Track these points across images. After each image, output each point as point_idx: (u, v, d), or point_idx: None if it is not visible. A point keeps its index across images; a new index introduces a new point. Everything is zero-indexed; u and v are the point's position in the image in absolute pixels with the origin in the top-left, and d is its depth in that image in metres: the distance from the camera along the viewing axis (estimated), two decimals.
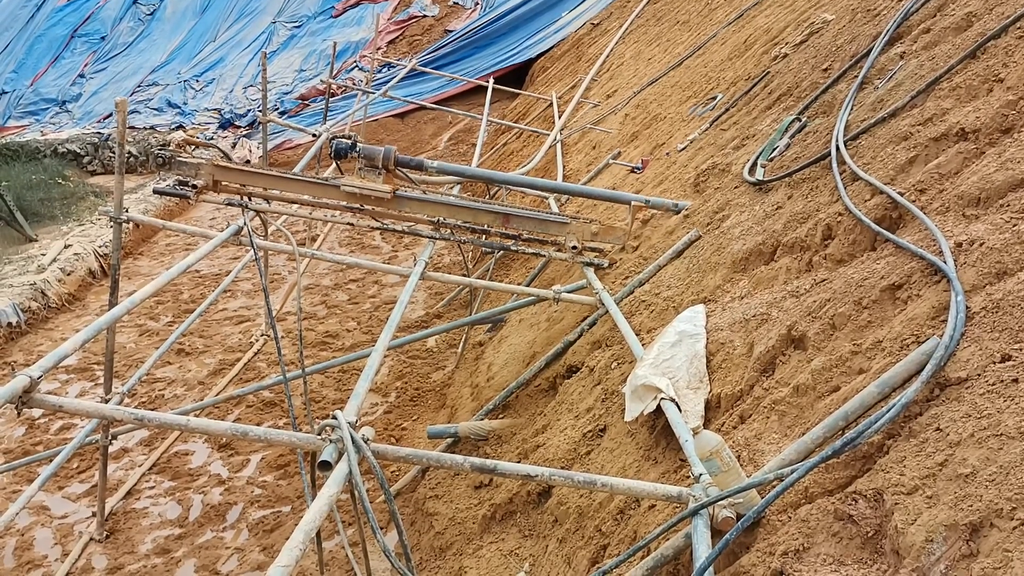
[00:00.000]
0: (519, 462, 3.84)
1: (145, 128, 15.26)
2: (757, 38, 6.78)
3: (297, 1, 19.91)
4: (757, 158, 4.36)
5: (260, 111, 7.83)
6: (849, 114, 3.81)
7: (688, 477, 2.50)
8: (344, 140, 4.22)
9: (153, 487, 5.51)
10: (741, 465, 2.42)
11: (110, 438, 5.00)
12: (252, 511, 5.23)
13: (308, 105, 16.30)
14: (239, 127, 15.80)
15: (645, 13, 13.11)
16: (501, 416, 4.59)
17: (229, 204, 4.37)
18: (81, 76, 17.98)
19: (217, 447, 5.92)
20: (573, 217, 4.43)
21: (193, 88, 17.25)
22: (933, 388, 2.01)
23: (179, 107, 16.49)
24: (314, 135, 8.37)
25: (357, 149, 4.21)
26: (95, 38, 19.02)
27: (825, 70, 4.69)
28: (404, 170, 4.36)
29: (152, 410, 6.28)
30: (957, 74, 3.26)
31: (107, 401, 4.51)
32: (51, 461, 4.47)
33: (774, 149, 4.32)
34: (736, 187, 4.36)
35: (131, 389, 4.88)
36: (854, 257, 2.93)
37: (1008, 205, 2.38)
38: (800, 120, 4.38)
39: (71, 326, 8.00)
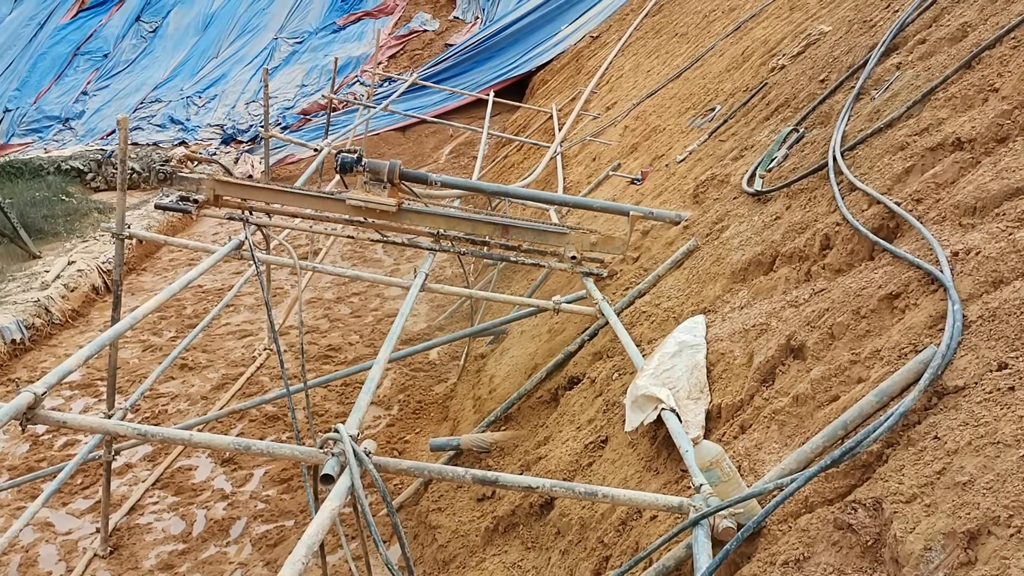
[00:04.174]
0: (521, 474, 3.84)
1: (148, 144, 15.33)
2: (754, 50, 6.82)
3: (299, 17, 20.05)
4: (755, 169, 4.38)
5: (262, 126, 7.88)
6: (846, 124, 3.83)
7: (689, 487, 2.51)
8: (349, 155, 4.25)
9: (157, 502, 5.51)
10: (742, 475, 2.43)
11: (113, 454, 5.01)
12: (256, 525, 5.23)
13: (310, 120, 16.38)
14: (242, 142, 15.87)
15: (644, 26, 13.18)
16: (503, 428, 4.60)
17: (230, 218, 4.39)
18: (84, 93, 18.09)
19: (220, 462, 5.92)
20: (572, 228, 4.45)
21: (196, 104, 17.34)
22: (931, 397, 2.02)
23: (182, 123, 16.58)
24: (316, 150, 8.42)
25: (362, 163, 4.24)
26: (98, 56, 19.15)
27: (822, 81, 4.72)
28: (408, 183, 4.39)
29: (155, 425, 6.29)
30: (953, 84, 3.29)
31: (110, 416, 4.53)
32: (55, 477, 4.48)
33: (772, 160, 4.34)
34: (735, 198, 4.38)
35: (134, 404, 4.89)
36: (852, 267, 2.95)
37: (1004, 214, 2.40)
38: (798, 131, 4.40)
39: (75, 342, 8.02)
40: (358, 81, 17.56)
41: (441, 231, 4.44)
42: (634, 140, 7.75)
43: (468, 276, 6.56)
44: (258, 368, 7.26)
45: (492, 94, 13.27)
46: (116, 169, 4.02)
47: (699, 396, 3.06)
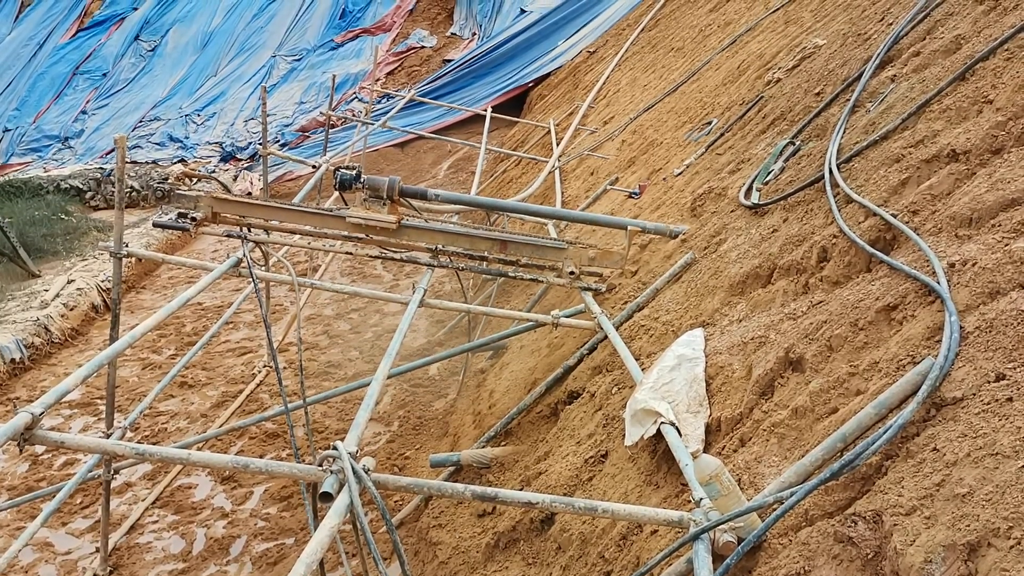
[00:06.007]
0: (522, 489, 3.83)
1: (147, 162, 15.36)
2: (750, 63, 6.85)
3: (297, 35, 20.13)
4: (752, 182, 4.39)
5: (261, 144, 7.90)
6: (842, 137, 3.85)
7: (690, 501, 2.50)
8: (348, 171, 4.25)
9: (156, 521, 5.49)
10: (742, 488, 2.43)
11: (112, 473, 4.99)
12: (256, 544, 5.20)
13: (308, 137, 16.43)
14: (240, 160, 15.91)
15: (640, 40, 13.26)
16: (503, 443, 4.59)
17: (228, 236, 4.40)
18: (83, 113, 18.15)
19: (220, 480, 5.90)
20: (570, 242, 4.45)
21: (194, 122, 17.39)
22: (929, 408, 2.02)
23: (181, 141, 16.62)
24: (314, 166, 8.44)
25: (361, 180, 4.24)
26: (97, 75, 19.21)
27: (818, 94, 4.74)
28: (407, 199, 4.40)
29: (155, 443, 6.28)
30: (947, 96, 3.30)
31: (109, 436, 4.51)
32: (54, 497, 4.47)
33: (769, 173, 4.36)
34: (732, 211, 4.39)
35: (134, 423, 4.88)
36: (850, 279, 2.95)
37: (999, 225, 2.40)
38: (794, 144, 4.42)
39: (74, 361, 8.01)
40: (356, 98, 17.63)
41: (440, 247, 4.44)
42: (632, 154, 7.77)
43: (467, 291, 6.57)
44: (257, 385, 7.25)
45: (490, 109, 13.31)
46: (115, 187, 4.03)
47: (698, 410, 3.06)
